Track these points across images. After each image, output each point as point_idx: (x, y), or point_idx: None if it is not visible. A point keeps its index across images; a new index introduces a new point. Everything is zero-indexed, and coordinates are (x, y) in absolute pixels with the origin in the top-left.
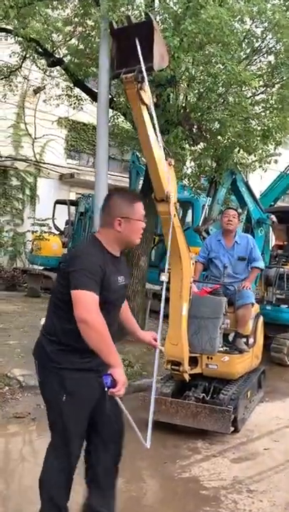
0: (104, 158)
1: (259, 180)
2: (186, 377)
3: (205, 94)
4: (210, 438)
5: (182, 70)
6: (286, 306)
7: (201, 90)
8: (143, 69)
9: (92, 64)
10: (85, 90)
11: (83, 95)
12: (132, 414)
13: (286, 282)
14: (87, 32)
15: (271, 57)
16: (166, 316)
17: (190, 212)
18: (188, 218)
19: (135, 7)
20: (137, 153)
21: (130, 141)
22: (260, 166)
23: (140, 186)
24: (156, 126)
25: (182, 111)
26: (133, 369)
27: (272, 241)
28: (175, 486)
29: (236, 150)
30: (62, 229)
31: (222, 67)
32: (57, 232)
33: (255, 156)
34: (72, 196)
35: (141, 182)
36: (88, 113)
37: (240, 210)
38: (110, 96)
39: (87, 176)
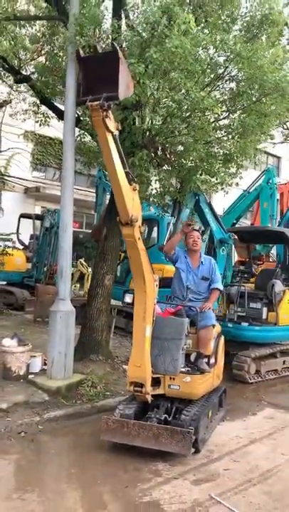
0: (70, 180)
1: (222, 198)
2: (149, 398)
3: (169, 119)
4: (171, 459)
5: (147, 96)
6: (247, 323)
7: (166, 115)
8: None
9: (59, 82)
10: (52, 108)
11: (50, 113)
12: (94, 437)
13: (247, 300)
14: (55, 51)
15: (233, 84)
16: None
17: (156, 229)
18: (154, 235)
19: (102, 32)
20: (104, 170)
21: (97, 158)
22: (222, 189)
23: (107, 202)
24: (121, 151)
25: (147, 134)
26: (96, 389)
27: (235, 258)
28: (136, 511)
29: (199, 173)
30: (26, 243)
31: (186, 93)
32: (21, 247)
33: (217, 179)
34: (38, 210)
35: (108, 197)
36: (55, 127)
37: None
38: (77, 115)
39: (53, 190)
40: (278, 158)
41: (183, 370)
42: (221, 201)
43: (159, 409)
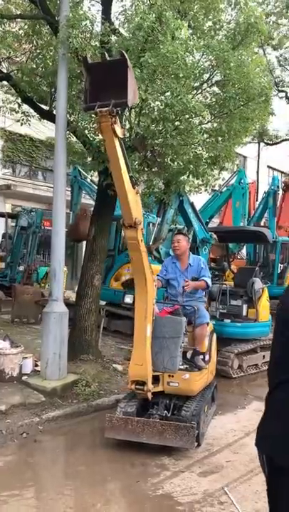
0: (62, 186)
1: (192, 198)
2: (150, 396)
3: (161, 122)
4: (175, 454)
5: (141, 99)
6: (229, 320)
7: (158, 118)
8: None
9: (44, 84)
10: (35, 108)
11: (31, 111)
12: (95, 435)
13: (228, 298)
14: (38, 51)
15: (217, 89)
16: (115, 331)
17: None
18: None
19: (93, 36)
20: (79, 168)
21: (83, 159)
22: (205, 190)
23: (82, 200)
24: (126, 156)
25: (137, 136)
26: (90, 389)
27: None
28: (152, 504)
29: (186, 174)
30: None
31: (177, 97)
32: None
33: (202, 180)
34: (8, 208)
35: (83, 195)
36: (25, 125)
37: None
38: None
39: (24, 188)
40: (244, 157)
41: (181, 367)
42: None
43: (158, 406)
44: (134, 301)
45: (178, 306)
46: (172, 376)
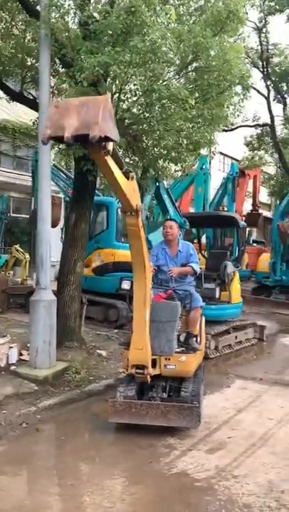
0: (47, 173)
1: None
2: (149, 379)
3: (148, 108)
4: (177, 434)
5: (129, 85)
6: (204, 303)
7: (144, 104)
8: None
9: (12, 63)
10: (4, 89)
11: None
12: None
13: (202, 281)
14: (8, 29)
15: (196, 75)
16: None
17: (104, 214)
18: (102, 220)
19: (73, 14)
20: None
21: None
22: (181, 175)
23: None
24: (118, 154)
25: (120, 121)
26: (80, 375)
27: None
28: (170, 483)
29: (166, 161)
30: None
31: (164, 83)
32: None
33: (182, 166)
34: None
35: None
36: None
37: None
38: (32, 97)
39: None
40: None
41: (177, 350)
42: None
43: (156, 389)
44: (132, 287)
45: (171, 291)
46: (169, 359)
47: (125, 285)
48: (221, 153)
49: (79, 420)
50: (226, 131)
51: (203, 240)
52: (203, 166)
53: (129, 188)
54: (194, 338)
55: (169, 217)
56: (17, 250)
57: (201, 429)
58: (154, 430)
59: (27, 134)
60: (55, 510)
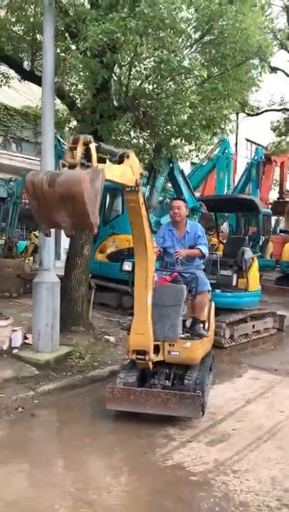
0: (51, 155)
1: None
2: (151, 365)
3: (156, 79)
4: (179, 424)
5: (136, 54)
6: (220, 290)
7: (153, 75)
8: None
9: (23, 40)
10: (15, 67)
11: (12, 73)
12: (94, 407)
13: (218, 268)
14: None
15: (212, 48)
16: (101, 304)
17: (119, 199)
18: (117, 205)
19: None
20: (58, 137)
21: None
22: (196, 156)
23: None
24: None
25: (129, 95)
26: (84, 360)
27: None
28: (164, 475)
29: (179, 138)
30: None
31: (172, 53)
32: None
33: (195, 145)
34: None
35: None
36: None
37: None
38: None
39: None
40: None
41: (182, 336)
42: None
43: (159, 376)
44: (133, 268)
45: (176, 274)
46: (173, 345)
47: (126, 266)
48: (247, 139)
49: (78, 407)
50: (251, 115)
51: (226, 227)
52: (226, 150)
53: (125, 168)
54: (201, 325)
55: (175, 197)
56: (36, 237)
57: (204, 419)
58: (156, 419)
59: (57, 123)
60: (34, 500)
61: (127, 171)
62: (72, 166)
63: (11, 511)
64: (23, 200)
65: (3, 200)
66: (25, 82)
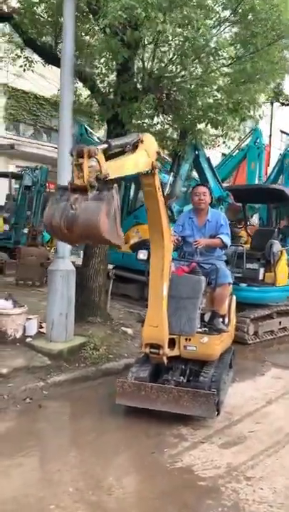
0: (68, 143)
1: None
2: (165, 360)
3: (179, 59)
4: (192, 423)
5: (157, 31)
6: (245, 284)
7: (176, 55)
8: None
9: (47, 23)
10: (38, 51)
11: (36, 57)
12: (105, 401)
13: (244, 261)
14: None
15: (240, 28)
16: (122, 295)
17: None
18: (142, 194)
19: None
20: (85, 126)
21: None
22: (223, 142)
23: None
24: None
25: (152, 76)
26: (99, 352)
27: None
28: (170, 478)
29: (204, 123)
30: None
31: (198, 31)
32: None
33: (222, 130)
34: (12, 169)
35: None
36: (29, 80)
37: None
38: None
39: (28, 148)
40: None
41: (200, 330)
42: None
43: (173, 371)
44: (148, 258)
45: (195, 264)
46: (189, 340)
47: (141, 255)
48: (282, 131)
49: (88, 400)
50: (286, 105)
51: (256, 220)
52: (258, 140)
53: (137, 156)
54: (220, 319)
55: (198, 183)
56: None
57: (219, 419)
58: (168, 417)
59: (78, 110)
60: (31, 498)
61: (141, 158)
62: (81, 190)
63: (5, 508)
64: (48, 190)
65: (28, 188)
66: (51, 67)
